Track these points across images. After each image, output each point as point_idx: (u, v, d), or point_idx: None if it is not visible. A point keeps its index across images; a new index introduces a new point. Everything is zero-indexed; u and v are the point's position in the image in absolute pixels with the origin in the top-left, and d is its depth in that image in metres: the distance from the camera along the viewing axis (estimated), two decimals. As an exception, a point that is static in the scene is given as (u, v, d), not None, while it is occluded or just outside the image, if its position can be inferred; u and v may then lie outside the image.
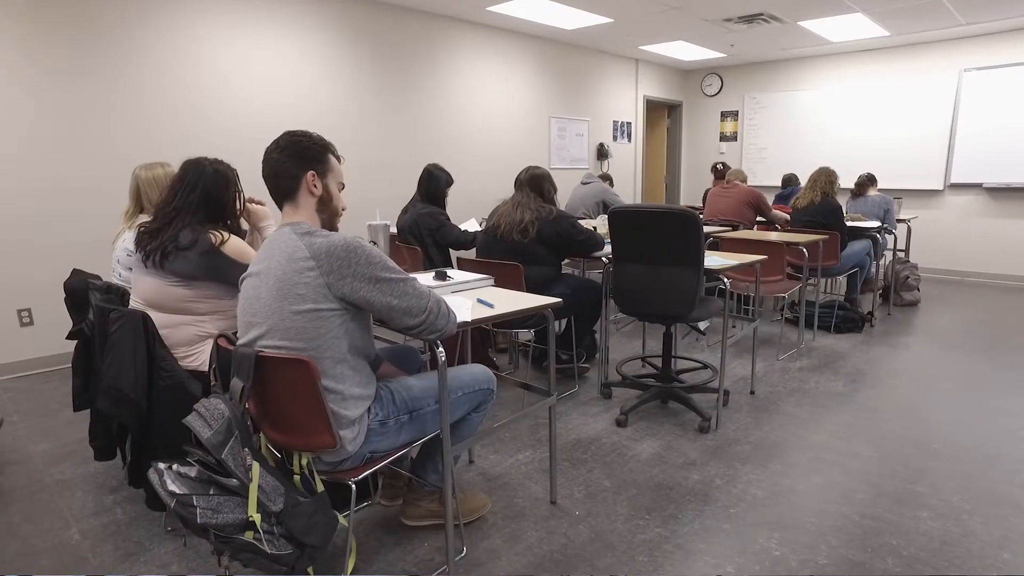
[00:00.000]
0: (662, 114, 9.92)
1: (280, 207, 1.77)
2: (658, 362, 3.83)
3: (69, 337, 2.78)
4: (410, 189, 4.20)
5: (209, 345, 2.28)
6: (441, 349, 1.78)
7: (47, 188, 4.06)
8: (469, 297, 2.24)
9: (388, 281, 1.65)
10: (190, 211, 2.27)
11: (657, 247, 3.04)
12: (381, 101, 5.69)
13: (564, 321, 3.71)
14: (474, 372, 2.02)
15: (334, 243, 1.62)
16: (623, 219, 3.11)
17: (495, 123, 6.92)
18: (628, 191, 8.92)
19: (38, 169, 4.02)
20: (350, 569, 1.88)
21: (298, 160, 1.73)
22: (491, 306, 2.08)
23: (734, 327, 3.90)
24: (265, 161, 1.74)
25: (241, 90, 4.84)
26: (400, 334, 1.83)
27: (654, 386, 3.43)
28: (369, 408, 1.76)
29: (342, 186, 1.85)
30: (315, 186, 1.75)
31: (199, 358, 2.26)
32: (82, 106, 4.15)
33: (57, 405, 3.51)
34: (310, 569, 1.75)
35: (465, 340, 2.84)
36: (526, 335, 4.19)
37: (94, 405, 2.81)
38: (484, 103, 6.75)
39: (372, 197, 5.38)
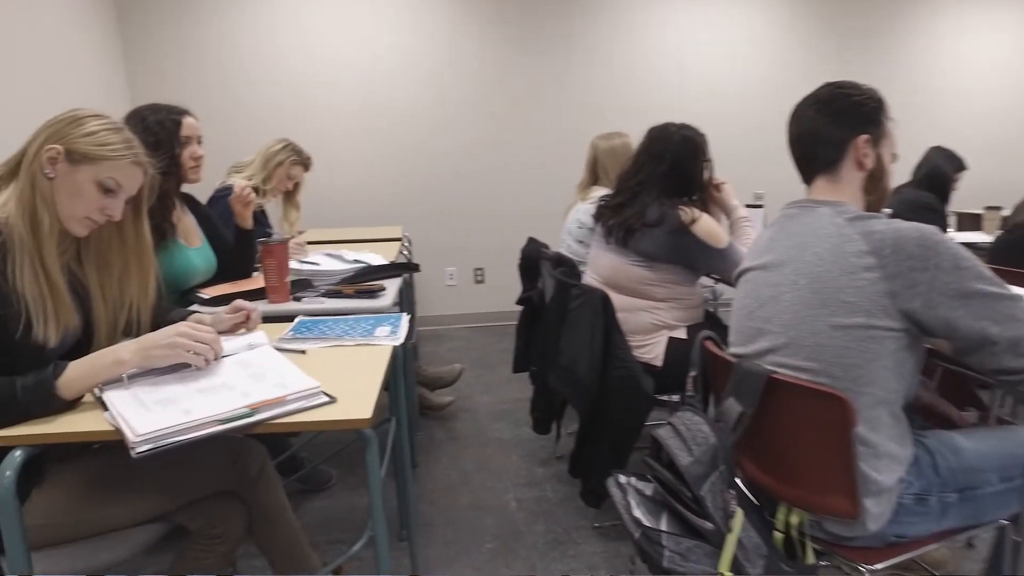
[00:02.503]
0: None
1: (808, 181, 1.34)
2: None
3: (519, 303, 2.87)
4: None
5: (663, 337, 2.02)
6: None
7: (507, 160, 4.45)
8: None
9: (986, 296, 1.09)
10: (656, 185, 2.02)
11: None
12: (824, 63, 4.86)
13: None
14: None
15: (904, 234, 1.12)
16: None
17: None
18: None
19: (502, 143, 4.42)
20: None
21: (846, 120, 1.27)
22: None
23: None
24: (796, 120, 1.33)
25: (683, 61, 4.60)
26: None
27: None
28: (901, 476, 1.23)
29: (895, 157, 1.33)
30: (866, 155, 1.27)
31: (653, 350, 2.01)
32: (539, 81, 4.41)
33: (495, 360, 3.80)
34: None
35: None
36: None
37: (532, 371, 2.88)
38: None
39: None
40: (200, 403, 1.01)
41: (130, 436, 0.91)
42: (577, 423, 2.07)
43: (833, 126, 1.27)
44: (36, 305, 1.11)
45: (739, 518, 1.27)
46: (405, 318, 1.55)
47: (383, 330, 1.45)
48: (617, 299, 1.97)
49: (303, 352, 1.32)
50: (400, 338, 1.40)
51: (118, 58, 3.92)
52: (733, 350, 1.39)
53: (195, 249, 1.97)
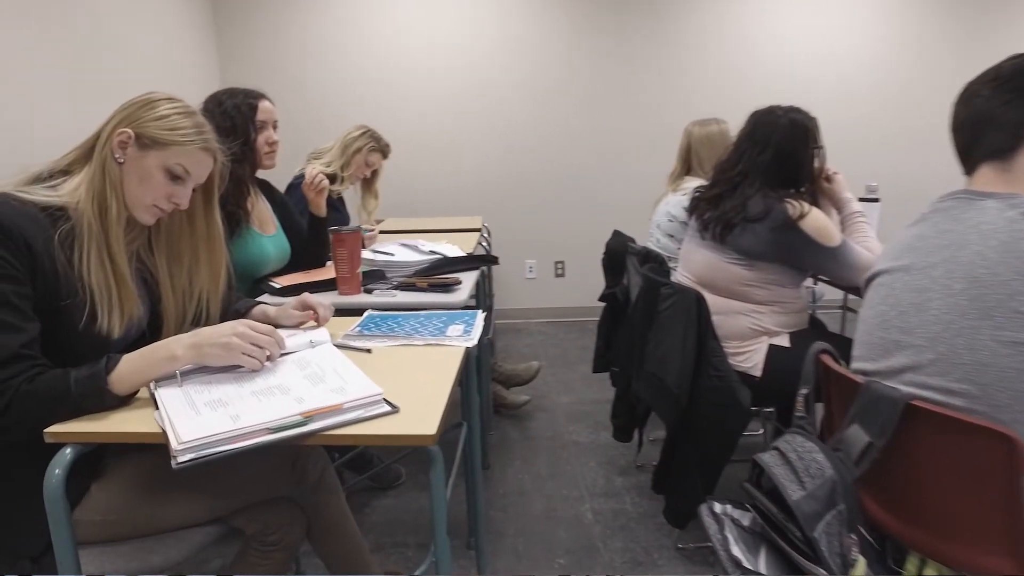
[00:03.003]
0: None
1: (969, 171, 1.11)
2: None
3: (601, 299, 2.72)
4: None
5: (763, 345, 1.82)
6: None
7: (592, 149, 4.26)
8: None
9: None
10: (759, 174, 1.82)
11: None
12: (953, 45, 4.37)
13: None
14: None
15: None
16: None
17: None
18: None
19: (587, 131, 4.24)
20: None
21: None
22: None
23: None
24: (964, 101, 1.10)
25: (785, 45, 4.25)
26: None
27: None
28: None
29: None
30: None
31: (751, 359, 1.81)
32: (628, 67, 4.19)
33: (575, 358, 3.65)
34: None
35: None
36: None
37: (612, 371, 2.73)
38: None
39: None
40: (251, 408, 0.92)
41: (174, 443, 0.83)
42: (661, 430, 1.90)
43: (1012, 107, 1.03)
44: (101, 294, 1.06)
45: (861, 567, 1.07)
46: (480, 316, 1.42)
47: (456, 329, 1.33)
48: (712, 300, 1.78)
49: (368, 351, 1.22)
50: (474, 339, 1.28)
51: (211, 43, 4.01)
52: (859, 366, 1.19)
53: (269, 237, 1.92)
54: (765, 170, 1.81)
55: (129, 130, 1.09)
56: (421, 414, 0.94)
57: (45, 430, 0.91)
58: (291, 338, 1.16)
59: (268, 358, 1.07)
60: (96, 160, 1.10)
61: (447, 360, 1.19)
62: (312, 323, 1.31)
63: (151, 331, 1.24)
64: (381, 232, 3.06)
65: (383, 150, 2.83)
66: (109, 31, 3.00)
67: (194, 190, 1.21)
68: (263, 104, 1.80)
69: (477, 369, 1.57)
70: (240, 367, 1.04)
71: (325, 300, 1.31)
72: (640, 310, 2.01)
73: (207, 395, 0.96)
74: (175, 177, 1.13)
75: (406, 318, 1.42)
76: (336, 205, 2.71)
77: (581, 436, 2.69)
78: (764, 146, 1.82)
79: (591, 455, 2.53)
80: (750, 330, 1.82)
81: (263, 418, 0.88)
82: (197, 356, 1.01)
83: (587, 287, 4.33)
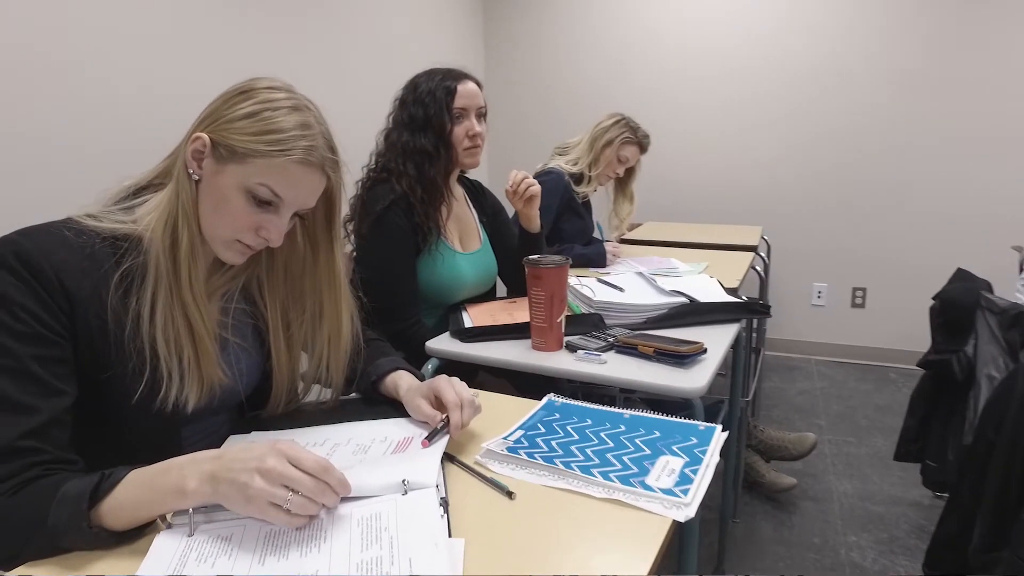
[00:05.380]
0: None
1: None
2: None
3: (924, 365, 1.93)
4: None
5: None
6: None
7: (921, 142, 3.15)
8: None
9: None
10: None
11: None
12: None
13: None
14: None
15: None
16: None
17: None
18: None
19: (917, 116, 3.15)
20: None
21: None
22: None
23: None
24: None
25: None
26: None
27: None
28: None
29: None
30: None
31: None
32: (986, 25, 3.00)
33: (867, 422, 2.74)
34: None
35: None
36: None
37: (927, 466, 1.94)
38: None
39: None
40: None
41: None
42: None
43: None
44: (169, 356, 0.77)
45: None
46: (718, 440, 0.86)
47: (667, 468, 0.79)
48: None
49: (511, 495, 0.75)
50: (692, 504, 0.73)
51: (478, 33, 3.84)
52: None
53: (467, 254, 1.55)
54: None
55: (205, 135, 0.77)
56: None
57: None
58: (374, 469, 0.75)
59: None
60: (174, 174, 0.81)
61: (633, 543, 0.67)
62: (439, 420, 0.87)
63: (252, 400, 0.94)
64: (631, 243, 2.58)
65: (640, 142, 2.31)
66: (373, 14, 2.95)
67: (302, 216, 0.86)
68: (463, 87, 1.42)
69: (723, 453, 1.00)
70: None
71: (467, 391, 0.87)
72: (1011, 421, 1.23)
73: (209, 564, 0.59)
74: (262, 202, 0.78)
75: (598, 421, 0.91)
76: (579, 211, 2.28)
77: (866, 556, 1.91)
78: None
79: (880, 593, 1.76)
80: None
81: None
82: (212, 494, 0.64)
83: (894, 325, 3.33)
